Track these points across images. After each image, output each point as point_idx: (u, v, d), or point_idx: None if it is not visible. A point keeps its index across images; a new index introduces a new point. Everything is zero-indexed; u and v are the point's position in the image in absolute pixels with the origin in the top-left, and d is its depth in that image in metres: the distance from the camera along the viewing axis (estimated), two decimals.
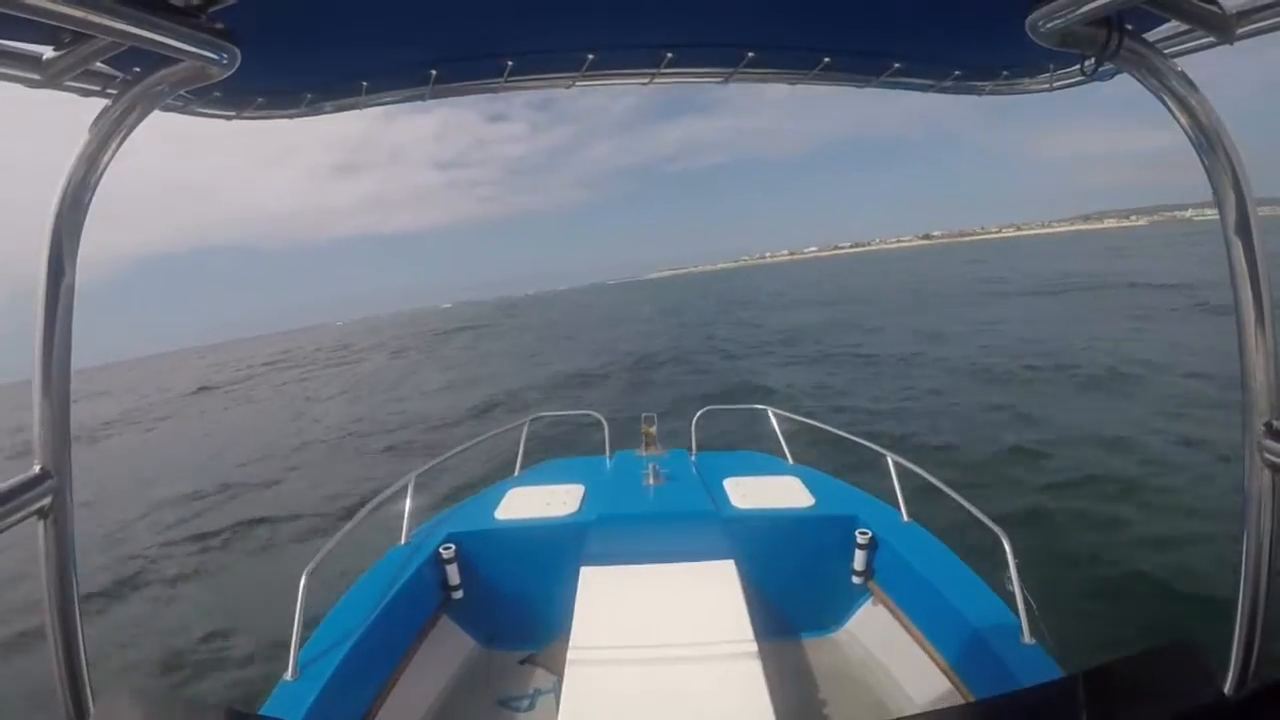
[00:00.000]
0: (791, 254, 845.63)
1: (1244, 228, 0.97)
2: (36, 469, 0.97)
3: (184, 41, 0.94)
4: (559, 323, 47.87)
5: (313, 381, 28.60)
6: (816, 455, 4.01)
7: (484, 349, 32.75)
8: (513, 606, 2.96)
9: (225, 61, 1.03)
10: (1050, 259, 57.32)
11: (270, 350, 67.18)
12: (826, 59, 1.46)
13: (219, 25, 0.99)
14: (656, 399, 12.42)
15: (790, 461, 3.71)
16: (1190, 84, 0.99)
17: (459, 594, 2.90)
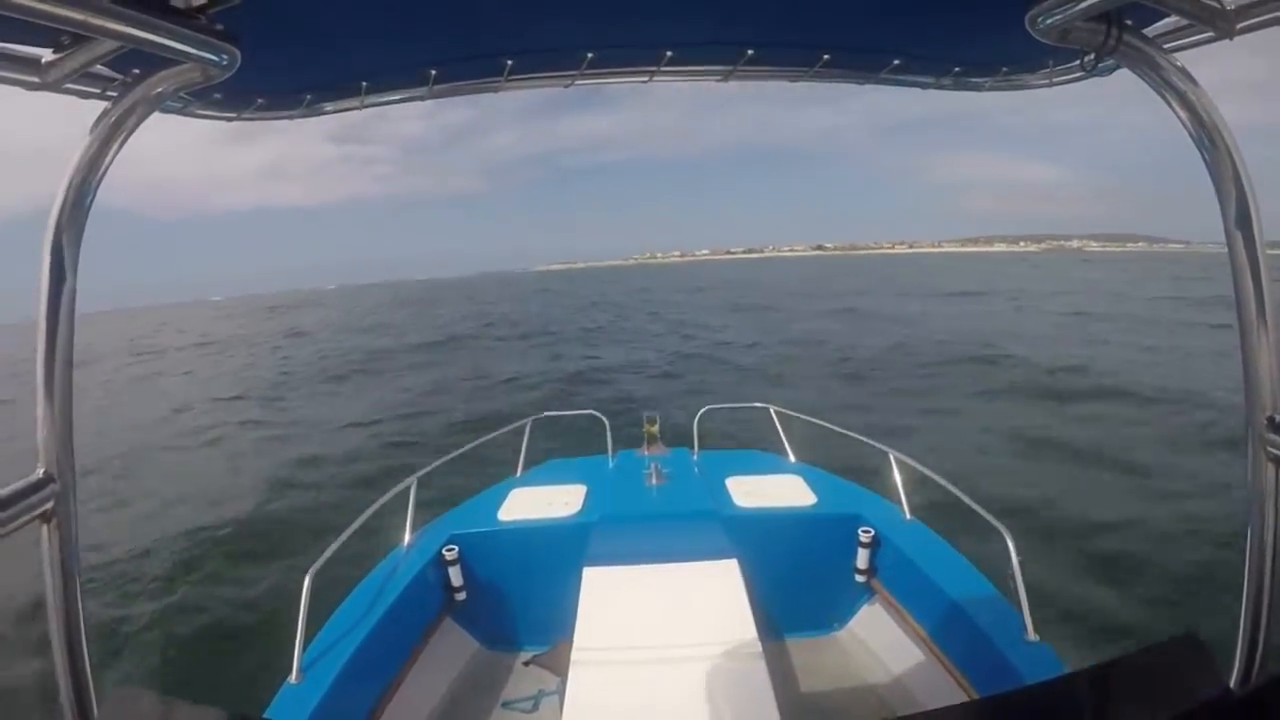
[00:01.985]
0: (682, 255, 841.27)
1: (1244, 222, 0.95)
2: (40, 473, 0.97)
3: (184, 43, 0.93)
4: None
5: None
6: (819, 453, 3.94)
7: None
8: (516, 608, 2.95)
9: (225, 63, 1.01)
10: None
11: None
12: (826, 56, 1.42)
13: (219, 27, 0.97)
14: None
15: (793, 460, 3.68)
16: (1190, 79, 0.98)
17: (462, 596, 2.86)
